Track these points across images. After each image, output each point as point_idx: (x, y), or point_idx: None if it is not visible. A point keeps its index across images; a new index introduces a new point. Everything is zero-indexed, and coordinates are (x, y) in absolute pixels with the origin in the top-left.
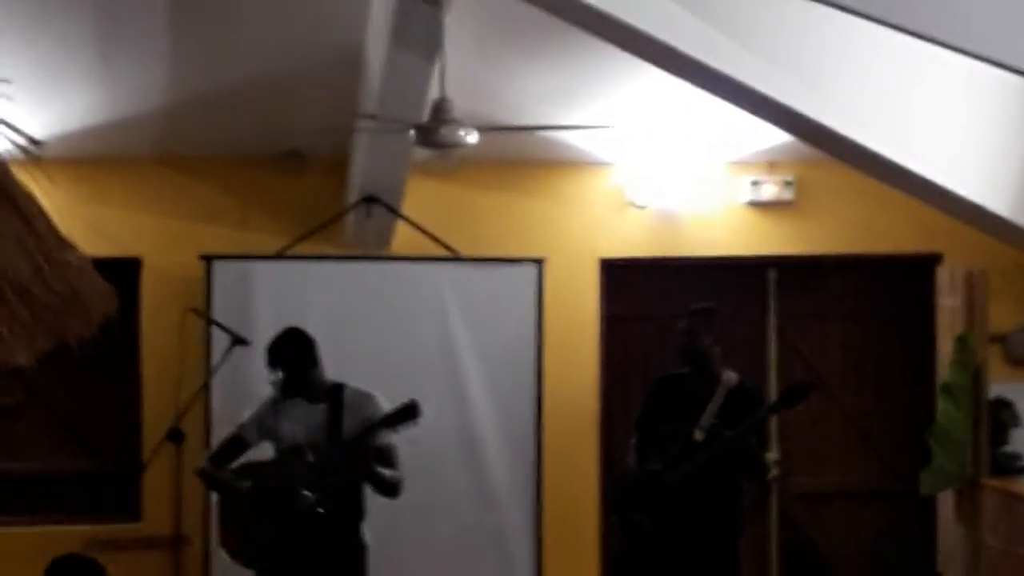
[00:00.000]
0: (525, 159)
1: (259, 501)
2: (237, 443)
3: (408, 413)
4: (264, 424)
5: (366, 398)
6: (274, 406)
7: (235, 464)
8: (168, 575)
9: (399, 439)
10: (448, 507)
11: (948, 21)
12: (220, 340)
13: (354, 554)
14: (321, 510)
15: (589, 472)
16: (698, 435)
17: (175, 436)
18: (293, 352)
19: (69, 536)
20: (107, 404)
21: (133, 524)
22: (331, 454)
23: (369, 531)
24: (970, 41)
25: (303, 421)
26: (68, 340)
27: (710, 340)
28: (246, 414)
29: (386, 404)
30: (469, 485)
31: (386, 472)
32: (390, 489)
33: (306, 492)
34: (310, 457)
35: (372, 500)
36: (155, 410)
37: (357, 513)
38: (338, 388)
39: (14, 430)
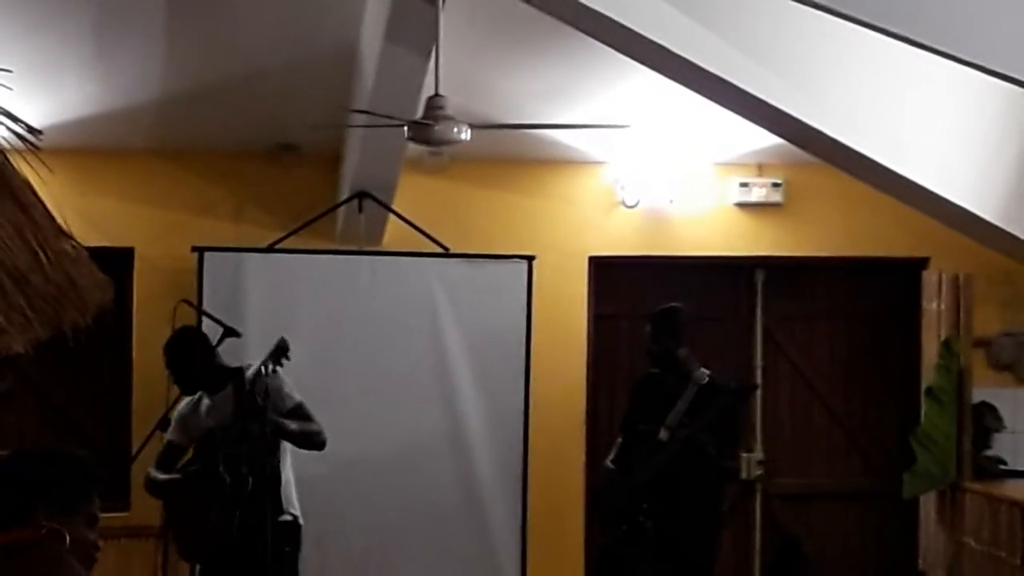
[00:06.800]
0: (517, 157)
1: (188, 489)
2: (171, 450)
3: (279, 352)
4: (187, 425)
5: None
6: (194, 406)
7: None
8: (156, 563)
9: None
10: (434, 500)
11: (940, 28)
12: (211, 331)
13: (281, 526)
14: (244, 481)
15: (575, 468)
16: (663, 434)
17: (165, 426)
18: (179, 356)
19: None
20: (98, 393)
21: (121, 513)
22: (235, 428)
23: (297, 505)
24: (961, 48)
25: (215, 412)
26: (64, 329)
27: (674, 341)
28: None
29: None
30: (456, 479)
31: (292, 424)
32: (307, 440)
33: (223, 469)
34: (218, 436)
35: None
36: (145, 400)
37: (276, 481)
38: (238, 371)
39: (4, 417)
